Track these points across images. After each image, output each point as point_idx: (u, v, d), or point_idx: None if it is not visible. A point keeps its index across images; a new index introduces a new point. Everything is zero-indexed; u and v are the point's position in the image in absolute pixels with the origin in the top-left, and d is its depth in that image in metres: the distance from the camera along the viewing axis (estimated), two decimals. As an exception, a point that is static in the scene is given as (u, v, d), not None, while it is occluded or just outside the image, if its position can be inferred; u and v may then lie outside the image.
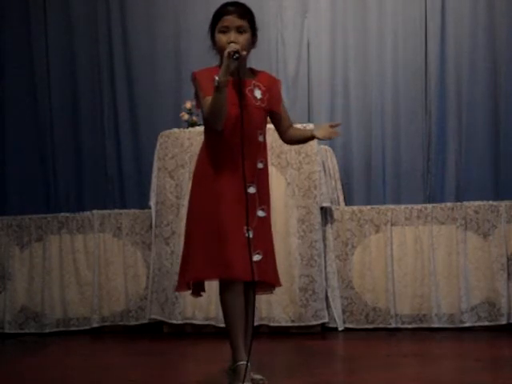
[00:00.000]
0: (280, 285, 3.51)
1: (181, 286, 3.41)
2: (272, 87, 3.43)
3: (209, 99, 3.25)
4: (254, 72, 3.43)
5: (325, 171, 5.41)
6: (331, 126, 3.40)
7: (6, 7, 6.37)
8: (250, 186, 3.30)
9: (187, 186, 5.32)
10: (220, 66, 3.34)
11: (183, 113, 5.62)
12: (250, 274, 3.23)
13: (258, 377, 3.38)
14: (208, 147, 3.37)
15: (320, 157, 5.33)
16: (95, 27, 6.31)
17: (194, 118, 5.56)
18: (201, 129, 5.41)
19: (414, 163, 5.92)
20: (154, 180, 5.45)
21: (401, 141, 5.96)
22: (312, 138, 3.44)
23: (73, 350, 5.11)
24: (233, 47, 3.20)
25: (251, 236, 3.27)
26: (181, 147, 5.38)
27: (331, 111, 6.05)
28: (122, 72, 6.27)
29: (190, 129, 5.47)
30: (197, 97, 3.37)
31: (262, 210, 3.36)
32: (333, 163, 5.71)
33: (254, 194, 3.31)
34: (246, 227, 3.26)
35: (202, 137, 3.43)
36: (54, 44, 6.32)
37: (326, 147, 5.69)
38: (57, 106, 6.30)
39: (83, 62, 6.32)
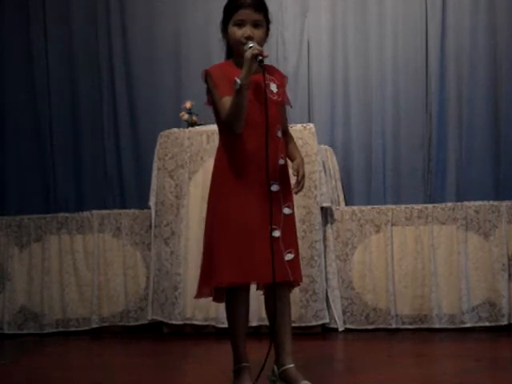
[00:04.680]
0: (301, 281, 3.42)
1: (203, 292, 3.32)
2: (282, 82, 3.39)
3: (226, 100, 3.17)
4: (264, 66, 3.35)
5: (325, 171, 5.40)
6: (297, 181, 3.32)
7: (6, 7, 6.36)
8: (273, 183, 3.22)
9: (187, 186, 5.31)
10: (232, 60, 3.30)
11: (183, 113, 5.61)
12: (277, 276, 3.14)
13: (305, 383, 3.26)
14: (226, 148, 3.27)
15: (320, 157, 5.32)
16: (95, 27, 6.30)
17: (194, 118, 5.55)
18: (201, 129, 5.41)
19: (414, 163, 5.91)
20: (153, 180, 5.44)
21: (401, 140, 5.95)
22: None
23: (72, 350, 5.11)
24: (256, 49, 3.12)
25: (279, 235, 3.21)
26: (181, 147, 5.37)
27: (331, 111, 6.04)
28: (121, 72, 6.26)
29: (190, 129, 5.46)
30: (209, 94, 3.29)
31: (288, 207, 3.29)
32: (333, 163, 5.70)
33: (277, 191, 3.24)
34: (271, 227, 3.17)
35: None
36: (54, 44, 6.30)
37: (326, 147, 5.68)
38: (56, 106, 6.28)
39: (83, 62, 6.30)
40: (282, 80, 3.40)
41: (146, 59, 6.25)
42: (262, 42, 3.26)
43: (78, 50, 6.31)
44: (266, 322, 5.10)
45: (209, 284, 3.27)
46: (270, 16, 3.32)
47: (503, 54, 5.87)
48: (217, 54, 6.01)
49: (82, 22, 6.31)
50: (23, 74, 6.31)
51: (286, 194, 3.29)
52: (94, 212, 5.70)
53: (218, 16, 6.06)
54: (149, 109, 6.21)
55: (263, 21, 3.27)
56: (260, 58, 3.12)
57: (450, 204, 5.45)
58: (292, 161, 3.39)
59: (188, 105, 5.58)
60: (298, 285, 3.39)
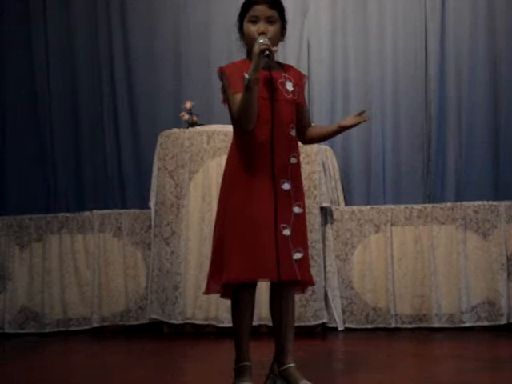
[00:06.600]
0: (314, 283, 3.42)
1: (212, 288, 3.30)
2: (300, 81, 3.37)
3: (238, 97, 3.16)
4: (281, 65, 3.36)
5: (325, 171, 5.41)
6: (357, 115, 3.32)
7: (6, 7, 6.36)
8: (284, 182, 3.22)
9: (187, 186, 5.32)
10: (248, 58, 3.28)
11: (183, 113, 5.62)
12: (284, 274, 3.13)
13: (305, 383, 3.25)
14: (238, 145, 3.26)
15: (320, 157, 5.33)
16: (95, 27, 6.30)
17: (194, 118, 5.56)
18: (201, 129, 5.43)
19: (413, 163, 5.91)
20: (153, 180, 5.45)
21: (401, 141, 5.95)
22: (339, 129, 3.36)
23: (73, 350, 5.11)
24: (264, 44, 3.12)
25: (289, 234, 3.20)
26: (181, 147, 5.38)
27: (331, 111, 6.04)
28: (121, 72, 6.25)
29: (190, 129, 5.47)
30: (224, 92, 3.28)
31: (298, 206, 3.27)
32: (333, 163, 5.71)
33: (288, 190, 3.23)
34: (281, 225, 3.17)
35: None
36: (54, 44, 6.30)
37: (326, 147, 5.68)
38: (57, 106, 6.28)
39: (83, 61, 6.30)
40: (298, 79, 3.37)
41: (146, 59, 6.25)
42: (276, 38, 3.26)
43: (78, 50, 6.31)
44: (266, 322, 5.15)
45: (218, 280, 3.24)
46: (286, 15, 3.32)
47: (503, 54, 5.87)
48: (217, 54, 6.07)
49: (82, 21, 6.31)
50: (23, 74, 6.31)
51: (297, 193, 3.28)
52: (95, 212, 5.71)
53: (218, 16, 6.16)
54: (149, 109, 6.21)
55: (277, 18, 3.27)
56: (267, 52, 3.11)
57: (449, 204, 5.46)
58: (331, 132, 3.39)
59: (188, 105, 5.58)
60: (312, 285, 3.39)
